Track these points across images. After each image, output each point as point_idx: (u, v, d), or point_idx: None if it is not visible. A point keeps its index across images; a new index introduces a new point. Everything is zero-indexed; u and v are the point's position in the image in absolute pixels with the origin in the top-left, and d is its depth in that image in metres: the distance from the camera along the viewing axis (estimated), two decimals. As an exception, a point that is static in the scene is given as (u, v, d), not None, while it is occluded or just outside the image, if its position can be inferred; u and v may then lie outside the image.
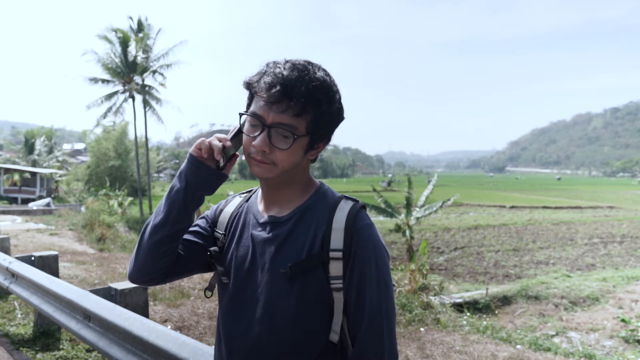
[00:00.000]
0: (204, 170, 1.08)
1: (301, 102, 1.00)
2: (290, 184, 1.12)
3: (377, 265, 1.04)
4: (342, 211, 1.07)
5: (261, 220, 1.13)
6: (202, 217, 1.25)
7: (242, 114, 1.08)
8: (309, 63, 1.05)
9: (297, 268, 1.04)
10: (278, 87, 0.99)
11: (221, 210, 1.24)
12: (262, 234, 1.11)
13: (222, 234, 1.19)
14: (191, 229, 1.21)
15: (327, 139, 1.11)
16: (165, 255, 1.12)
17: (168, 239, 1.10)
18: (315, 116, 1.03)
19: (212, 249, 1.18)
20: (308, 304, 1.05)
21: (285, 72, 1.01)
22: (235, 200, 1.25)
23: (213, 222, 1.23)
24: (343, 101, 1.12)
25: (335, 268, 1.04)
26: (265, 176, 1.06)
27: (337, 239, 1.04)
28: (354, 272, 1.04)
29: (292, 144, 1.02)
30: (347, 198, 1.11)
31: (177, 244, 1.14)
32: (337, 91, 1.08)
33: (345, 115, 1.12)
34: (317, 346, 1.07)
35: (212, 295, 1.21)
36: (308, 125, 1.03)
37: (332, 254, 1.04)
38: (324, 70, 1.07)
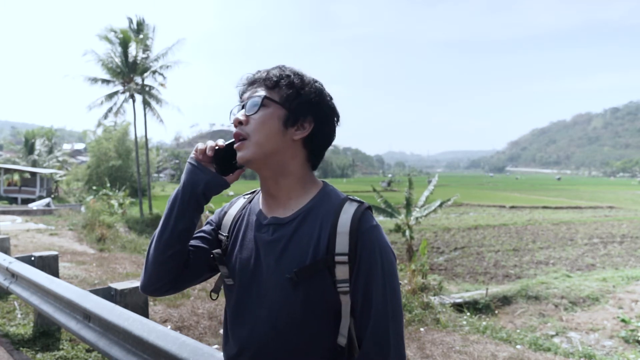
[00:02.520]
0: (200, 170, 1.13)
1: (273, 79, 1.09)
2: (283, 174, 1.11)
3: (382, 267, 1.03)
4: (347, 214, 1.05)
5: (264, 222, 1.12)
6: (208, 222, 1.26)
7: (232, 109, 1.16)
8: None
9: (303, 273, 1.04)
10: (256, 72, 1.14)
11: (225, 213, 1.24)
12: (265, 235, 1.10)
13: (225, 235, 1.20)
14: (197, 234, 1.22)
15: (310, 115, 1.10)
16: (171, 259, 1.13)
17: (172, 240, 1.12)
18: (289, 89, 1.09)
19: (214, 251, 1.18)
20: (314, 307, 1.05)
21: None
22: (239, 202, 1.25)
23: (217, 225, 1.24)
24: (343, 101, 1.16)
25: (342, 272, 1.03)
26: (244, 157, 1.08)
27: (342, 242, 1.03)
28: (359, 276, 1.03)
29: (260, 106, 1.07)
30: (352, 199, 1.09)
31: (183, 247, 1.14)
32: (315, 81, 1.13)
33: (330, 99, 1.15)
34: (325, 349, 1.06)
35: (217, 297, 1.22)
36: (281, 97, 1.09)
37: (337, 258, 1.03)
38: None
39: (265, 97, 1.08)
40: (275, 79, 1.09)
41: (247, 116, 1.08)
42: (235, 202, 1.26)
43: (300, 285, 1.04)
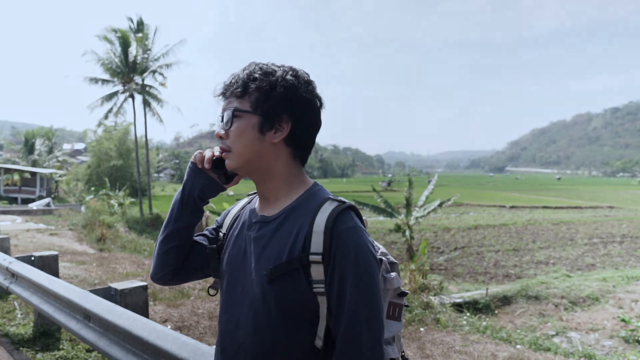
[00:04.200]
0: (199, 175, 1.19)
1: (240, 86, 1.09)
2: (269, 177, 1.12)
3: (357, 269, 1.00)
4: (324, 213, 1.04)
5: (254, 220, 1.15)
6: (215, 221, 1.32)
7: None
8: (269, 64, 1.12)
9: (277, 270, 1.03)
10: (229, 77, 1.14)
11: (229, 212, 1.30)
12: (252, 233, 1.13)
13: (223, 233, 1.24)
14: (202, 232, 1.30)
15: (285, 113, 1.08)
16: (170, 252, 1.21)
17: (171, 236, 1.21)
18: (258, 93, 1.08)
19: (209, 246, 1.22)
20: (289, 307, 1.04)
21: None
22: (242, 202, 1.30)
23: (220, 224, 1.29)
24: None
25: (317, 272, 1.02)
26: (230, 167, 1.13)
27: (317, 242, 1.02)
28: (334, 277, 1.01)
29: (231, 119, 1.09)
30: (333, 199, 1.07)
31: (181, 243, 1.22)
32: (286, 74, 1.09)
33: (307, 87, 1.10)
34: (301, 350, 1.05)
35: (216, 293, 1.25)
36: (252, 103, 1.09)
37: (312, 258, 1.01)
38: (281, 65, 1.11)
39: (235, 110, 1.08)
40: (242, 85, 1.08)
41: (225, 130, 1.11)
42: (239, 203, 1.30)
43: (275, 282, 1.04)
